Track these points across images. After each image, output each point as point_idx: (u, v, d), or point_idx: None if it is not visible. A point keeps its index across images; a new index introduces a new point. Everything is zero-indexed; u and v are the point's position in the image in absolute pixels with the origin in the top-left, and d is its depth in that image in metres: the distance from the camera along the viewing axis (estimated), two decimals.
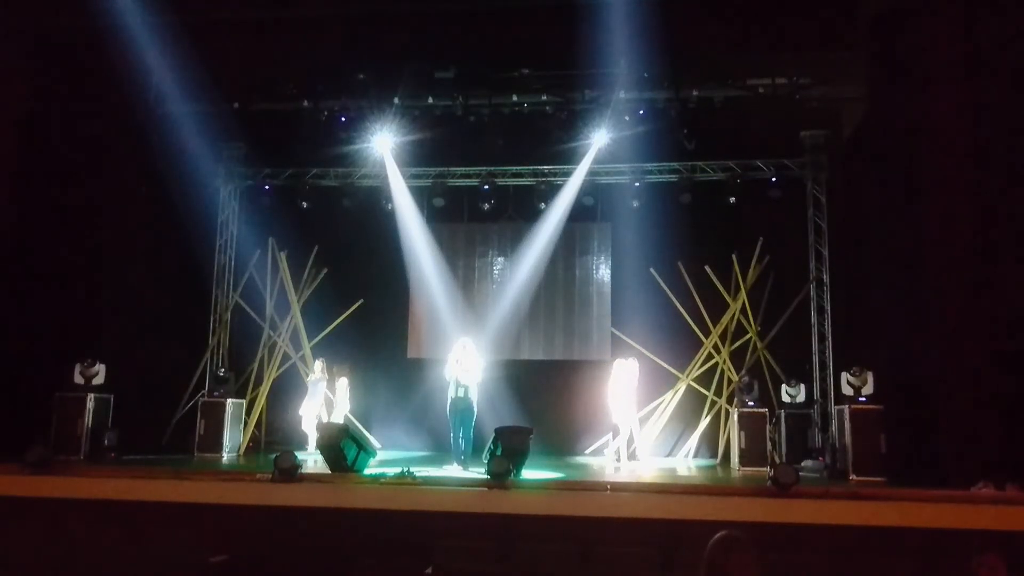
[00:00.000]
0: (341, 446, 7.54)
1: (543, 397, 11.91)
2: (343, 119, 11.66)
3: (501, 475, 6.58)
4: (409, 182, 12.49)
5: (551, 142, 11.68)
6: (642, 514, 6.09)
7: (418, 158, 12.24)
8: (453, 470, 8.79)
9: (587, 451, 11.83)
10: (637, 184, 11.99)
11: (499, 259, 12.89)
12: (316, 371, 11.51)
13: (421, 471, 7.54)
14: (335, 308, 12.53)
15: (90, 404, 9.60)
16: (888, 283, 9.30)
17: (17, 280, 10.35)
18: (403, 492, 6.48)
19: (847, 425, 9.14)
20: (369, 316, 12.57)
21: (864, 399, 9.34)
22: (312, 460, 9.50)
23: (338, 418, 11.11)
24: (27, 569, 6.01)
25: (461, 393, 9.23)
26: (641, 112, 11.23)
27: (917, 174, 8.58)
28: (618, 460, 10.20)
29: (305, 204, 12.47)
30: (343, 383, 11.54)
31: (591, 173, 12.08)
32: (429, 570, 5.82)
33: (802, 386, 10.79)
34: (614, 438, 10.41)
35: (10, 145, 10.23)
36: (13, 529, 6.26)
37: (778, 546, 5.52)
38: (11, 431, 8.31)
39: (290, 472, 6.62)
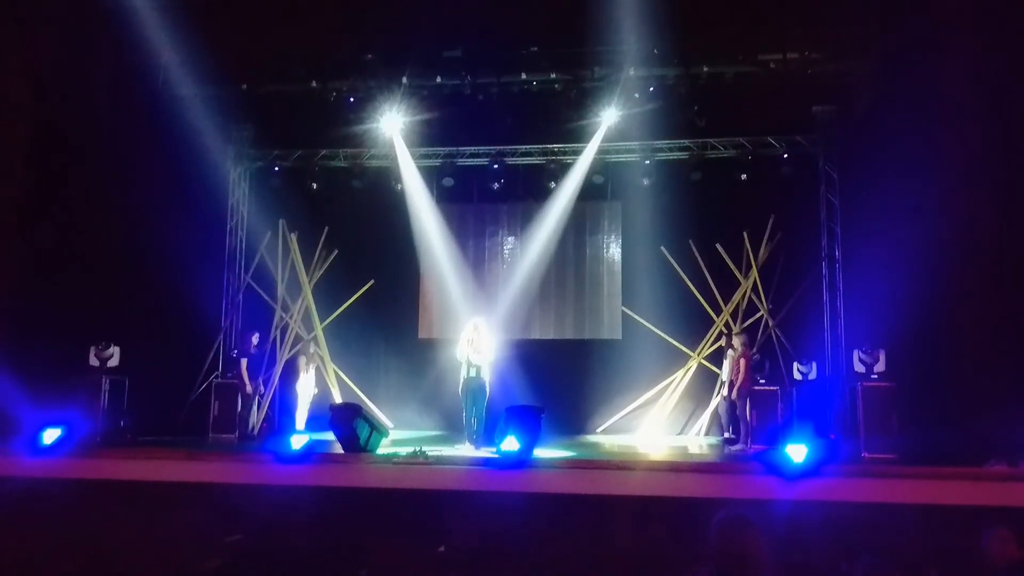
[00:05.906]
0: (354, 426, 7.60)
1: (554, 376, 11.87)
2: (351, 100, 11.62)
3: (512, 454, 6.61)
4: (418, 162, 12.45)
5: (560, 120, 11.60)
6: (653, 492, 6.12)
7: (427, 138, 12.18)
8: (465, 449, 8.85)
9: (598, 430, 11.87)
10: (647, 162, 11.91)
11: (509, 239, 12.85)
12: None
13: (433, 451, 7.61)
14: (346, 289, 12.56)
15: (105, 386, 9.70)
16: (901, 260, 9.23)
17: (30, 264, 10.43)
18: (416, 471, 6.53)
19: (859, 403, 9.13)
20: (379, 297, 12.60)
21: (876, 377, 9.32)
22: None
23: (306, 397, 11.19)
24: (41, 550, 6.09)
25: (473, 373, 9.28)
26: (651, 89, 11.13)
27: (930, 148, 8.49)
28: (737, 443, 9.89)
29: (315, 185, 12.46)
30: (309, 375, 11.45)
31: (601, 151, 12.00)
32: (442, 548, 5.86)
33: (814, 364, 10.75)
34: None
35: (21, 131, 10.27)
36: (29, 510, 6.34)
37: (788, 524, 5.53)
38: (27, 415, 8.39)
39: None
